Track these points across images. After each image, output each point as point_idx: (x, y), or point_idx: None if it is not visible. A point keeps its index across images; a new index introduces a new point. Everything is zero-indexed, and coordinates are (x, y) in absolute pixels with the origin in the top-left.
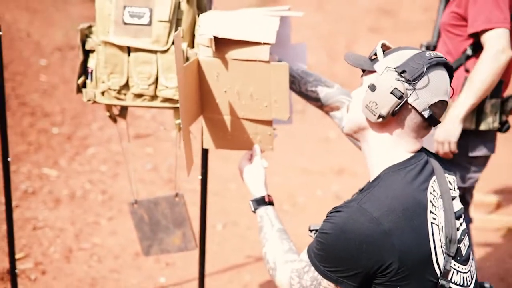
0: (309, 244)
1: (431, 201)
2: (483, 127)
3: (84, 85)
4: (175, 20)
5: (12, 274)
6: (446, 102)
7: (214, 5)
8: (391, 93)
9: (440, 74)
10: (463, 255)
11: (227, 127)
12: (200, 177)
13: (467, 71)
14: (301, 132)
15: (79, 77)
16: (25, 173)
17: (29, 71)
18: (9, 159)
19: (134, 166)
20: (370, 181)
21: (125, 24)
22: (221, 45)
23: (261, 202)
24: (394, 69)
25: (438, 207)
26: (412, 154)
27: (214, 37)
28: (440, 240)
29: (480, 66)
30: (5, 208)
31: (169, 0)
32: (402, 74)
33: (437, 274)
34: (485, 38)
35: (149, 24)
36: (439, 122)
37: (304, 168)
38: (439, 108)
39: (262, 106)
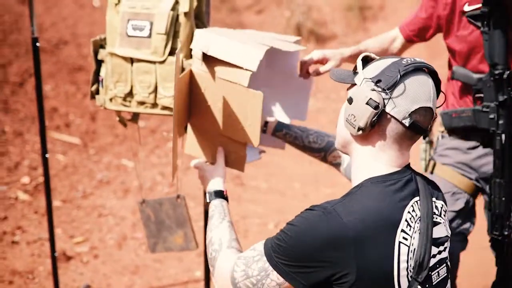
0: (269, 237)
1: (406, 220)
2: None
3: (97, 91)
4: (173, 33)
5: (53, 257)
6: (431, 108)
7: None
8: (367, 103)
9: (420, 80)
10: (433, 284)
11: (207, 138)
12: None
13: None
14: None
15: (92, 85)
16: (105, 163)
17: None
18: (46, 155)
19: None
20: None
21: (129, 36)
22: (211, 61)
23: (219, 194)
24: (371, 80)
25: (413, 228)
26: (396, 168)
27: (203, 53)
28: (407, 261)
29: None
30: (45, 204)
31: (166, 14)
32: (378, 84)
33: None
34: None
35: (149, 36)
36: (425, 130)
37: None
38: (422, 116)
39: (238, 127)
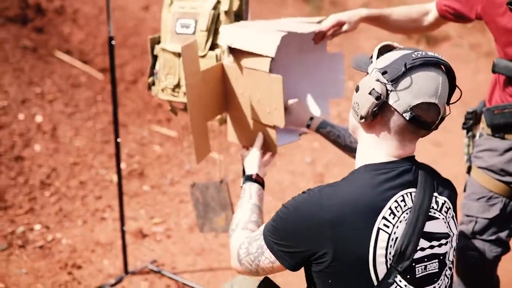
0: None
1: (390, 208)
2: None
3: (153, 83)
4: (213, 30)
5: (122, 232)
6: (435, 104)
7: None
8: (369, 93)
9: (427, 75)
10: (416, 276)
11: (243, 125)
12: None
13: None
14: None
15: (149, 77)
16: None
17: None
18: (118, 140)
19: (293, 158)
20: None
21: (177, 33)
22: (237, 54)
23: (249, 178)
24: (378, 70)
25: (398, 218)
26: (394, 159)
27: (229, 46)
28: (386, 249)
29: None
30: (117, 184)
31: (208, 13)
32: (384, 75)
33: (372, 281)
34: None
35: (194, 33)
36: (429, 125)
37: None
38: (424, 111)
39: (266, 112)
